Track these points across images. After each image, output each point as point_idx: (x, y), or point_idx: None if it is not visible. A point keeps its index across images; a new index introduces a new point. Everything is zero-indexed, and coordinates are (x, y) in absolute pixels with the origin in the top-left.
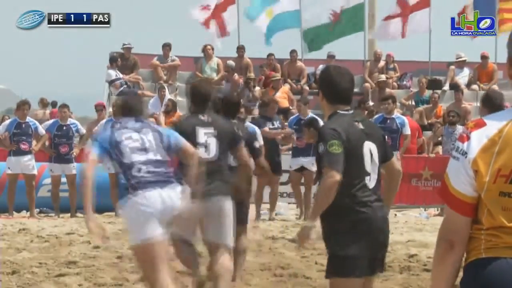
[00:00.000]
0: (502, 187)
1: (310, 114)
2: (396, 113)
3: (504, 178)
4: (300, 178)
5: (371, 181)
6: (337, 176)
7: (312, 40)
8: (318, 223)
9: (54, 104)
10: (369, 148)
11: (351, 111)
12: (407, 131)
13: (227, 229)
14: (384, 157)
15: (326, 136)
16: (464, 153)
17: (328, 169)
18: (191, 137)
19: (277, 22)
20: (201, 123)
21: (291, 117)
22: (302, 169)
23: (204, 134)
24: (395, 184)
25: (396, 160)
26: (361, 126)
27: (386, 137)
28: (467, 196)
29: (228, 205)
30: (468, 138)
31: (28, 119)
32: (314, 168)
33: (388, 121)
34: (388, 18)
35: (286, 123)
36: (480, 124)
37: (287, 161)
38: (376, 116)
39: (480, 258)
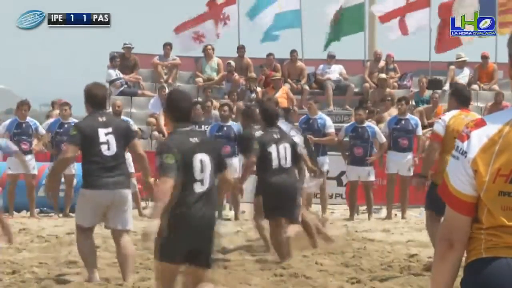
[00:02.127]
0: (502, 186)
1: (320, 113)
2: (409, 114)
3: (504, 178)
4: None
5: (202, 186)
6: (171, 181)
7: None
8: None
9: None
10: (201, 159)
11: (189, 128)
12: (420, 131)
13: (128, 216)
14: (218, 168)
15: (161, 150)
16: (464, 153)
17: (163, 176)
18: (93, 137)
19: (277, 21)
20: (100, 124)
21: (301, 117)
22: None
23: (104, 134)
24: (227, 191)
25: (230, 173)
26: (196, 140)
27: (402, 138)
28: (467, 195)
29: (128, 195)
30: (468, 137)
31: (28, 119)
32: (324, 169)
33: (403, 122)
34: (388, 17)
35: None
36: (480, 124)
37: None
38: (390, 118)
39: (480, 258)
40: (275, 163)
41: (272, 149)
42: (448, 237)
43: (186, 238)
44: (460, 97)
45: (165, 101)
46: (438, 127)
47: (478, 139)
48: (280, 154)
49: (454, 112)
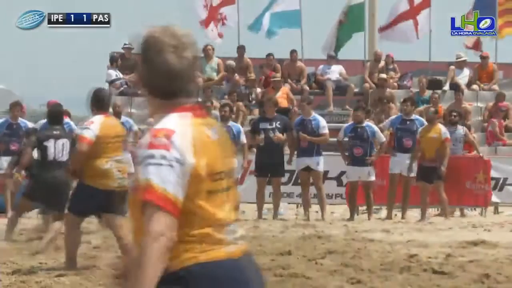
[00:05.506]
0: (209, 186)
1: (314, 114)
2: (414, 115)
3: (210, 177)
4: (308, 177)
5: None
6: None
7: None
8: None
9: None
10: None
11: None
12: None
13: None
14: None
15: None
16: (176, 159)
17: None
18: None
19: (277, 20)
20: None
21: (296, 119)
22: (308, 169)
23: None
24: None
25: None
26: None
27: (406, 138)
28: (179, 200)
29: None
30: (170, 145)
31: (20, 120)
32: (319, 168)
33: (408, 123)
34: (399, 19)
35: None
36: (170, 132)
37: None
38: (394, 117)
39: (198, 263)
40: (50, 157)
41: (50, 143)
42: (168, 236)
43: None
44: (98, 102)
45: None
46: (90, 133)
47: (180, 143)
48: (57, 148)
49: (100, 119)
